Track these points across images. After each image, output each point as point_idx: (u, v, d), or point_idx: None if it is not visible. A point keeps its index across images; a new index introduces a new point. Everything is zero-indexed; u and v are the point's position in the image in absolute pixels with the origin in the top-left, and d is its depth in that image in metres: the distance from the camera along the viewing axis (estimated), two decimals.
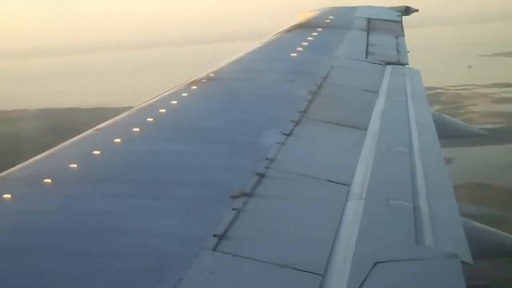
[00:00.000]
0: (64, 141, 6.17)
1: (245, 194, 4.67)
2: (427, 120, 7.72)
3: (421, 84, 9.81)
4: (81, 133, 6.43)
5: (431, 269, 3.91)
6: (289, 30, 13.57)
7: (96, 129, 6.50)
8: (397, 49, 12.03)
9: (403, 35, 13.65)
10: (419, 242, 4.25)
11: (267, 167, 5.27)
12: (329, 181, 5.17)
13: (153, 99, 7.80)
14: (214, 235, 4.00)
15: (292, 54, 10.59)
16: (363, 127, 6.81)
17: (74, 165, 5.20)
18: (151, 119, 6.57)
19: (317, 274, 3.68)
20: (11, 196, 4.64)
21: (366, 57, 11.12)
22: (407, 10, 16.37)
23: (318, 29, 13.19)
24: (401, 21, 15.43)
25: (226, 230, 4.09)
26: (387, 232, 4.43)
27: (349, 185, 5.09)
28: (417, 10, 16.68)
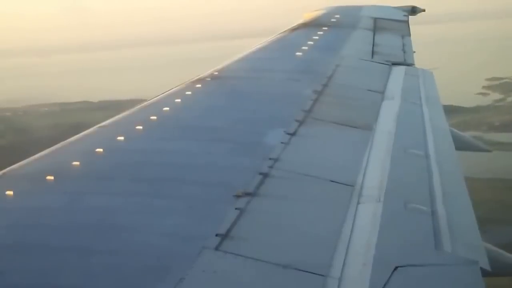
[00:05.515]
0: None
1: (248, 194, 4.65)
2: (438, 121, 7.63)
3: (433, 85, 9.69)
4: None
5: (451, 275, 3.89)
6: (294, 29, 13.52)
7: (100, 127, 6.49)
8: (403, 50, 11.97)
9: (410, 35, 13.59)
10: (438, 247, 4.23)
11: (271, 167, 5.24)
12: (333, 181, 5.14)
13: (157, 97, 7.78)
14: (216, 235, 3.98)
15: (297, 53, 10.55)
16: (368, 128, 6.77)
17: (77, 163, 5.19)
18: (154, 117, 6.55)
19: (320, 275, 3.66)
20: (13, 193, 4.62)
21: (372, 57, 11.07)
22: (414, 10, 16.32)
23: (324, 28, 13.14)
24: (408, 21, 15.37)
25: (228, 230, 4.07)
26: (407, 236, 4.40)
27: (353, 186, 5.07)
28: (424, 10, 16.62)
